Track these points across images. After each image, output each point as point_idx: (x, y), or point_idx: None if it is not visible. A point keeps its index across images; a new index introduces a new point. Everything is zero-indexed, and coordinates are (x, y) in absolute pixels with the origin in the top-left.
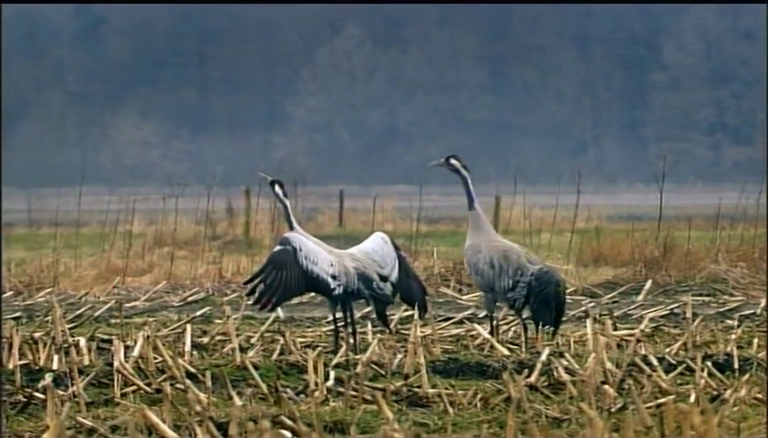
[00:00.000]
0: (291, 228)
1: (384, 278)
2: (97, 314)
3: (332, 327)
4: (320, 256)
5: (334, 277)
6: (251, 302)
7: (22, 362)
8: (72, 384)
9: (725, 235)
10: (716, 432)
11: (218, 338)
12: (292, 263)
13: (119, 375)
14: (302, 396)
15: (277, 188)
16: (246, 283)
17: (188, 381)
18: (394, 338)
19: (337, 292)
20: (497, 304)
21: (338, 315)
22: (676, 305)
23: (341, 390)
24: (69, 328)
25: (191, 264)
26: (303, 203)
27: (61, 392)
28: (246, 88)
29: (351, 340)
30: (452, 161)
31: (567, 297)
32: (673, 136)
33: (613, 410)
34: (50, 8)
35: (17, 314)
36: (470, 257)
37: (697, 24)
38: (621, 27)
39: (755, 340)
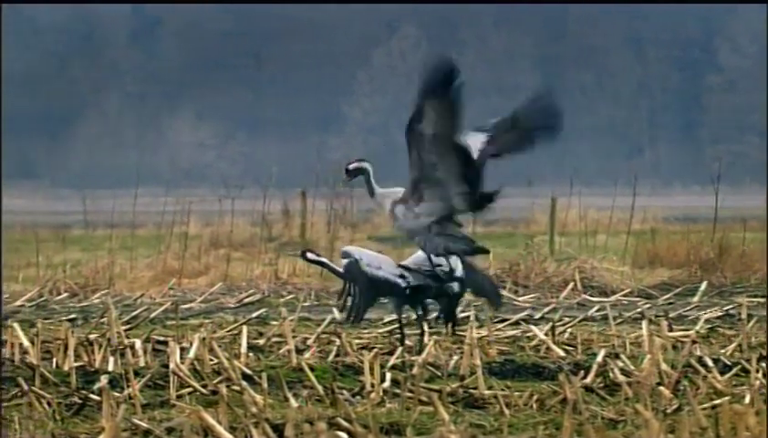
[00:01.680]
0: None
1: (449, 276)
2: (152, 315)
3: (389, 328)
4: (382, 260)
5: (402, 277)
6: (343, 319)
7: (77, 364)
8: (128, 386)
9: None
10: None
11: (274, 339)
12: (358, 273)
13: (175, 377)
14: (358, 398)
15: (309, 255)
16: (338, 300)
17: (244, 383)
18: (450, 339)
19: (408, 290)
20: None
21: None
22: (731, 306)
23: (397, 391)
24: (125, 330)
25: (247, 265)
26: (359, 205)
27: (117, 394)
28: (302, 89)
29: (418, 341)
30: (349, 166)
31: (623, 297)
32: (728, 138)
33: (668, 411)
34: (106, 9)
35: (73, 316)
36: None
37: (751, 26)
38: (677, 30)
39: None
